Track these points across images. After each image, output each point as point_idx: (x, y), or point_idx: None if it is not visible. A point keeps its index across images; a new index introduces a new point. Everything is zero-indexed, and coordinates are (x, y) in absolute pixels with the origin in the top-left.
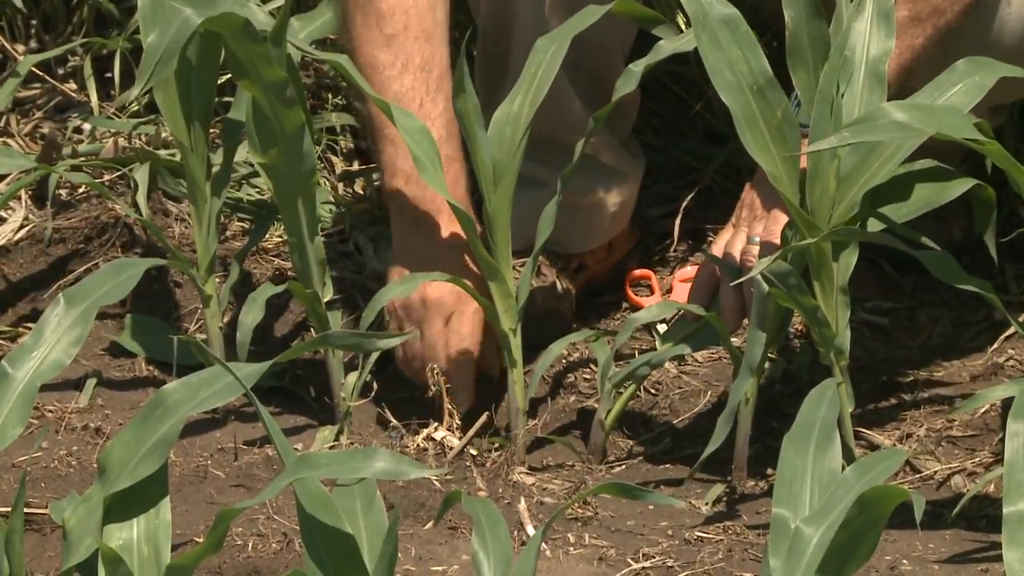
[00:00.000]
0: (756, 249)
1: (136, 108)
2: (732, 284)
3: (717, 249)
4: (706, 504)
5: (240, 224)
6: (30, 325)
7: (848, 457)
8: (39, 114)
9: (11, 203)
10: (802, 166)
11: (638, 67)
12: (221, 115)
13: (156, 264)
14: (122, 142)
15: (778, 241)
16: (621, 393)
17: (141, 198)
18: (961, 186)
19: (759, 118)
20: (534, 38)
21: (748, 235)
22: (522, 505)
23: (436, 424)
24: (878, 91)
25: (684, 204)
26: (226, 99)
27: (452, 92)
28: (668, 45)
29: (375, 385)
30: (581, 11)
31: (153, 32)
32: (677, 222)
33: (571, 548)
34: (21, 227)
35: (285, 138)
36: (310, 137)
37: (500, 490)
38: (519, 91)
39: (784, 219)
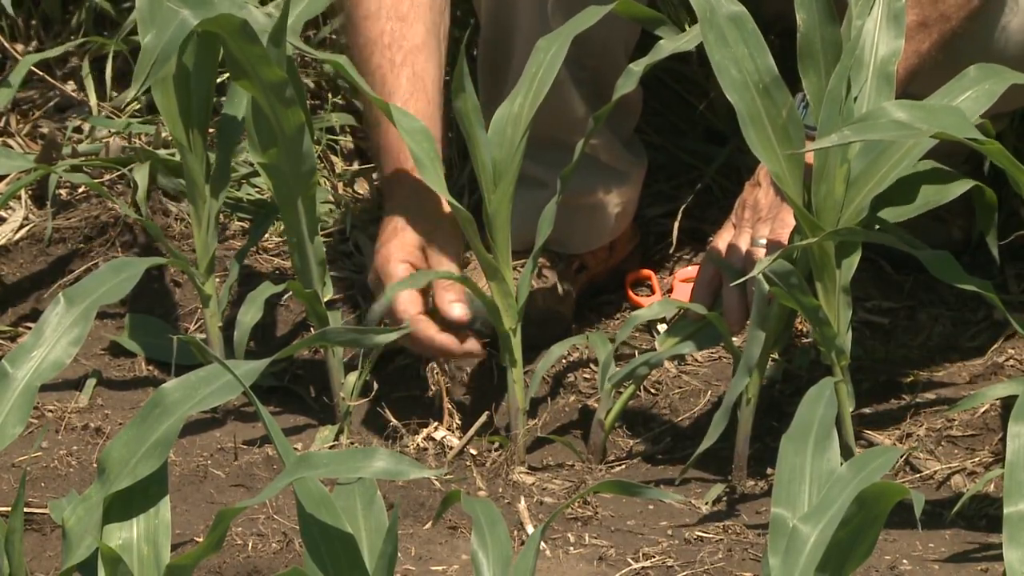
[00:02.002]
0: (762, 252)
1: (136, 108)
2: (734, 284)
3: (717, 248)
4: (706, 504)
5: (240, 224)
6: (30, 325)
7: (849, 456)
8: (39, 114)
9: (11, 203)
10: (809, 163)
11: (638, 67)
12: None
13: (156, 263)
14: (122, 142)
15: (787, 243)
16: (621, 393)
17: (141, 198)
18: (960, 187)
19: (764, 117)
20: (535, 38)
21: (752, 236)
22: (522, 505)
23: (436, 424)
24: (886, 91)
25: (684, 205)
26: (223, 98)
27: (452, 92)
28: (668, 44)
29: (375, 385)
30: (583, 11)
31: (150, 32)
32: (676, 223)
33: (571, 548)
34: (21, 227)
35: (285, 138)
36: (310, 137)
37: (500, 490)
38: (520, 91)
39: (791, 222)
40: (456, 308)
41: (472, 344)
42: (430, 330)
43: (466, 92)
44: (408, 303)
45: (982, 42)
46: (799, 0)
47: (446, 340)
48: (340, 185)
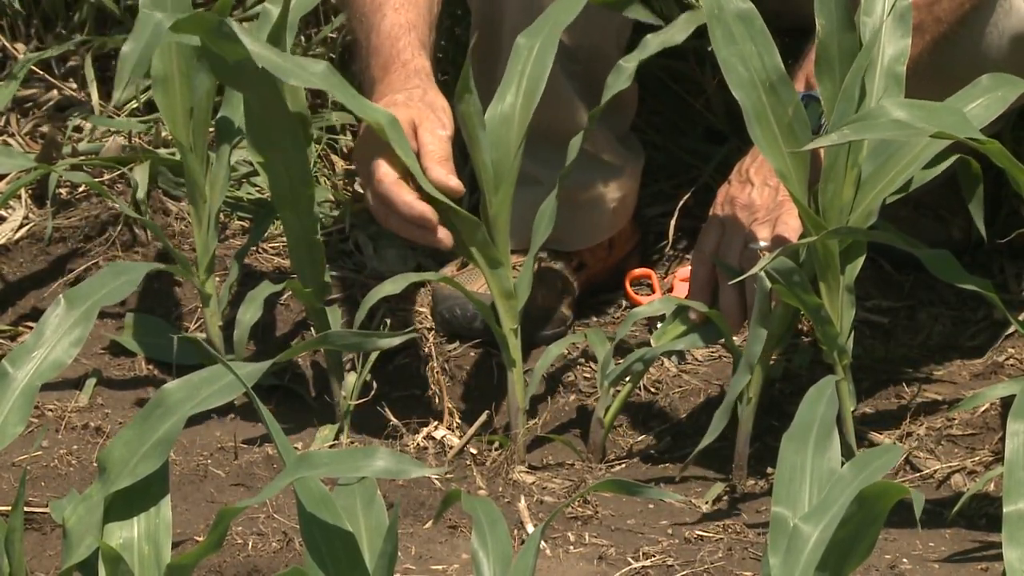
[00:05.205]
0: (764, 254)
1: (136, 107)
2: (732, 284)
3: (708, 248)
4: (706, 503)
5: (240, 223)
6: (30, 325)
7: (849, 455)
8: (39, 113)
9: (11, 202)
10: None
11: (628, 63)
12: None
13: (155, 269)
14: (122, 141)
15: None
16: (620, 391)
17: (141, 197)
18: (945, 161)
19: (770, 114)
20: (524, 29)
21: (749, 237)
22: (522, 504)
23: (436, 423)
24: (895, 91)
25: (681, 203)
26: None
27: (456, 95)
28: (655, 40)
29: (375, 385)
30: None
31: (129, 40)
32: (673, 222)
33: (571, 547)
34: (21, 226)
35: (280, 139)
36: (306, 137)
37: (500, 489)
38: (508, 89)
39: (795, 225)
40: (453, 179)
41: (446, 233)
42: (409, 195)
43: (470, 94)
44: (385, 169)
45: (972, 45)
46: (819, 6)
47: (426, 209)
48: (340, 184)
